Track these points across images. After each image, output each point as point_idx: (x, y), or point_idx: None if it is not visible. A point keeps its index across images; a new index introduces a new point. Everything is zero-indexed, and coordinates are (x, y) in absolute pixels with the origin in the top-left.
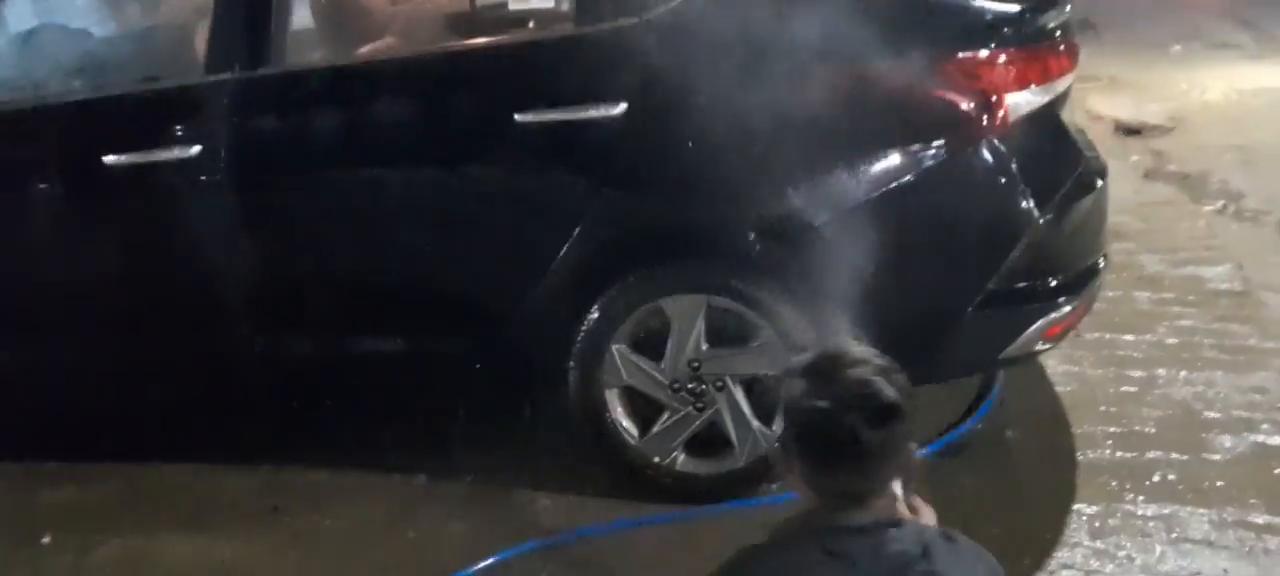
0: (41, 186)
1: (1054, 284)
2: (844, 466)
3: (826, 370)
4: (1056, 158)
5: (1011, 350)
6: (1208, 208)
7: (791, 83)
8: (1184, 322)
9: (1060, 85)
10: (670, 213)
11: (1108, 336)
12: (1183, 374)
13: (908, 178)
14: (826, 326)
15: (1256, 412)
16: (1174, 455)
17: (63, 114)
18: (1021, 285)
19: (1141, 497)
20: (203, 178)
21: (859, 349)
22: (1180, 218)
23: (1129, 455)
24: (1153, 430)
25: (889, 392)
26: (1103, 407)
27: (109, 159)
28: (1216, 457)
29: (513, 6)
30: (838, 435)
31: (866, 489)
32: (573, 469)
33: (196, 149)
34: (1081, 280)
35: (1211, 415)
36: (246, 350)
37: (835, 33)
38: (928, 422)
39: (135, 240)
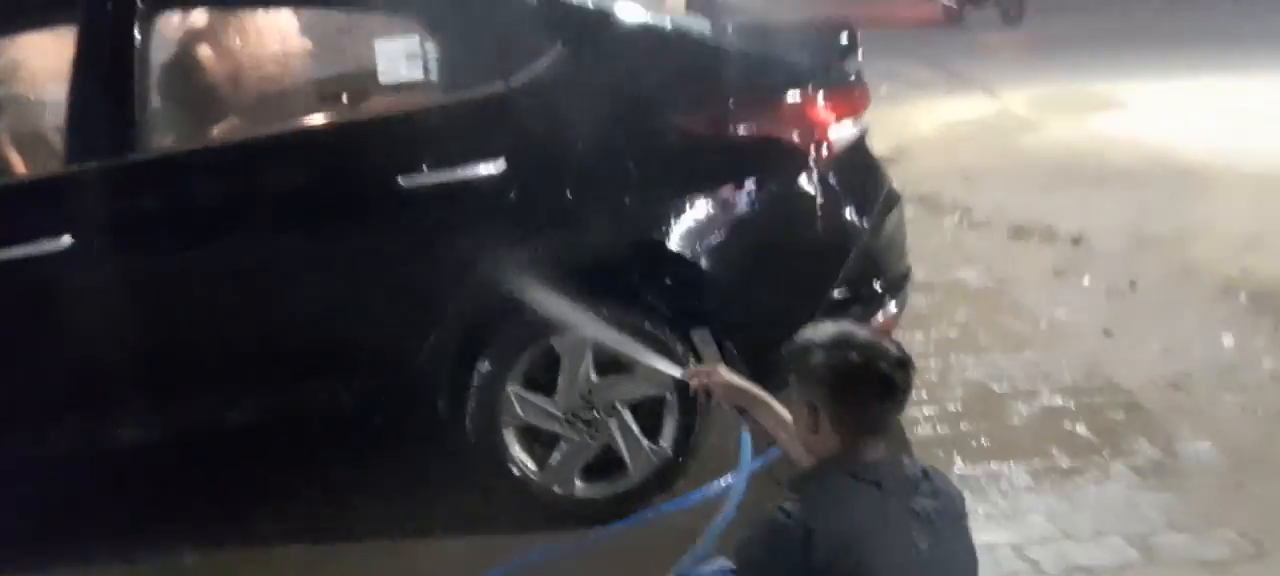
0: None
1: (879, 288)
2: (877, 405)
3: (843, 340)
4: (869, 179)
5: None
6: (947, 221)
7: (646, 132)
8: (959, 318)
9: (865, 119)
10: (552, 257)
11: (902, 336)
12: (970, 359)
13: (756, 204)
14: (702, 342)
15: (1037, 382)
16: (982, 424)
17: None
18: (856, 290)
19: (967, 461)
20: (79, 267)
21: (849, 325)
22: (929, 232)
23: (947, 430)
24: (960, 408)
25: (896, 347)
26: (914, 395)
27: None
28: (1016, 422)
29: (383, 81)
30: (872, 379)
31: (889, 424)
32: (479, 511)
33: (67, 239)
34: (899, 283)
35: (1002, 389)
36: (138, 428)
37: (681, 86)
38: None
39: (7, 333)
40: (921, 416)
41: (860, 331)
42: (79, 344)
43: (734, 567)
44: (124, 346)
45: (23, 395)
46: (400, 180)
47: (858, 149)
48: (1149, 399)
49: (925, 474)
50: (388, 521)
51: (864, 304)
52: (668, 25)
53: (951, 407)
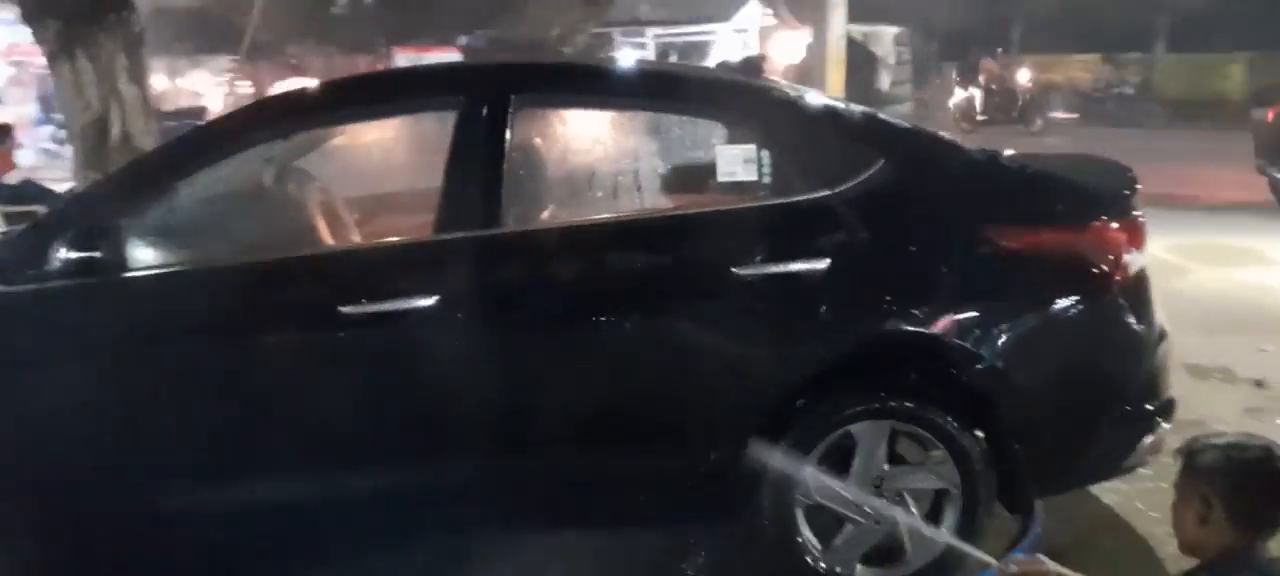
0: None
1: (1152, 409)
2: (1274, 502)
3: (1245, 438)
4: (1150, 307)
5: (1128, 461)
6: None
7: (962, 244)
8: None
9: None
10: (863, 353)
11: None
12: None
13: (1060, 318)
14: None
15: None
16: None
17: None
18: (1138, 406)
19: None
20: (443, 325)
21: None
22: None
23: None
24: None
25: None
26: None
27: (346, 309)
28: None
29: (720, 179)
30: (1275, 475)
31: (1277, 523)
32: None
33: (434, 299)
34: (1168, 408)
35: None
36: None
37: (995, 203)
38: None
39: (375, 383)
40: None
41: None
42: (430, 394)
43: None
44: (473, 399)
45: (373, 434)
46: (734, 270)
47: (1142, 278)
48: None
49: None
50: None
51: (1138, 423)
52: (977, 151)
53: None
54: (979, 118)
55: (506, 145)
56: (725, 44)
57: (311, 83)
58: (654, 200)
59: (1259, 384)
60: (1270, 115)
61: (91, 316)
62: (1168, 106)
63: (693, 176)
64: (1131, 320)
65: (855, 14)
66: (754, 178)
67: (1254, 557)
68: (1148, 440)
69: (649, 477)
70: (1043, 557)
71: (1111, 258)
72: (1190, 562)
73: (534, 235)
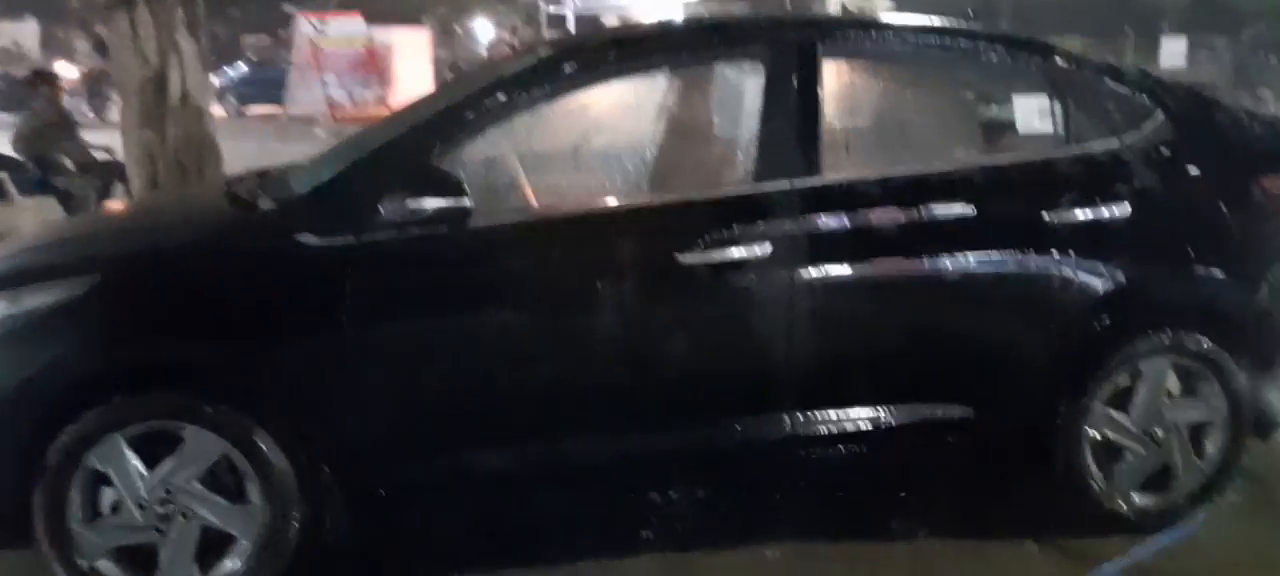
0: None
1: None
2: None
3: None
4: None
5: None
6: None
7: (1236, 189)
8: None
9: None
10: (1166, 290)
11: None
12: None
13: None
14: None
15: None
16: None
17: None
18: None
19: None
20: (777, 272)
21: None
22: None
23: None
24: None
25: None
26: None
27: (684, 258)
28: None
29: (1020, 131)
30: None
31: None
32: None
33: (768, 247)
34: None
35: None
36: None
37: (1259, 151)
38: None
39: (711, 333)
40: None
41: None
42: (768, 344)
43: None
44: (804, 346)
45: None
46: (1046, 215)
47: None
48: None
49: None
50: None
51: None
52: (1230, 102)
53: None
54: None
55: (819, 93)
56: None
57: None
58: (960, 149)
59: None
60: None
61: (471, 267)
62: None
63: (997, 128)
64: None
65: None
66: (1050, 129)
67: None
68: None
69: (958, 422)
70: None
71: None
72: None
73: (855, 185)
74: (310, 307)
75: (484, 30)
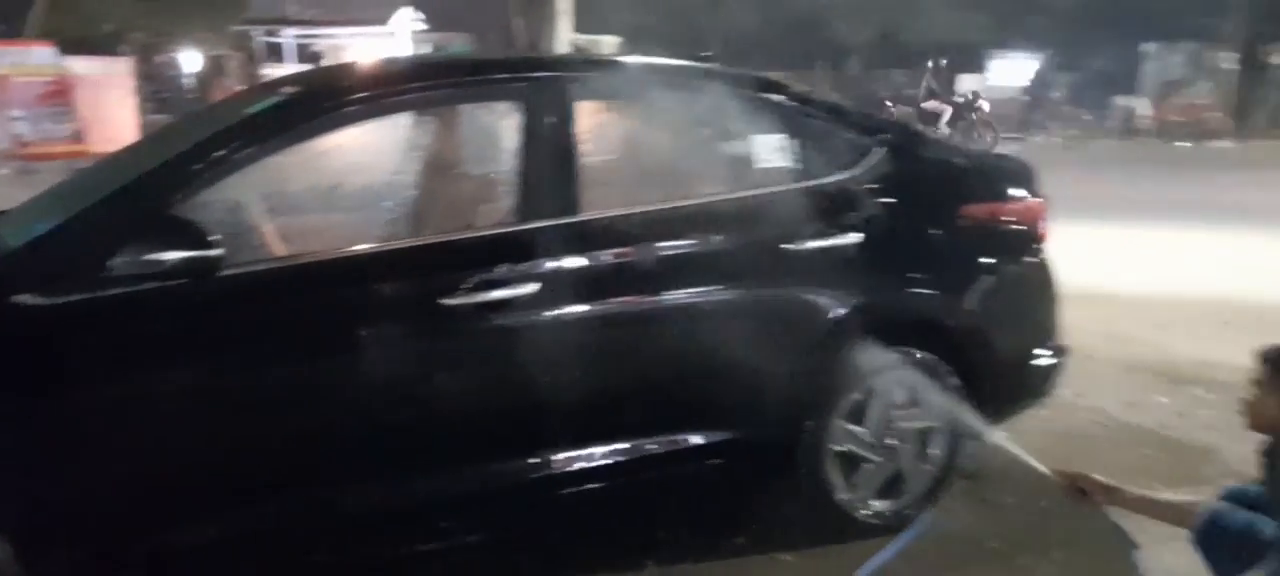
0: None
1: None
2: None
3: None
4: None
5: (1046, 392)
6: None
7: (944, 215)
8: None
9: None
10: (891, 310)
11: None
12: None
13: (1011, 269)
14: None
15: None
16: None
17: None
18: (1053, 341)
19: None
20: (542, 311)
21: None
22: None
23: None
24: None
25: None
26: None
27: (447, 300)
28: None
29: (757, 166)
30: None
31: None
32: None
33: (534, 286)
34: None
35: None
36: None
37: (963, 181)
38: None
39: (478, 376)
40: None
41: None
42: (529, 382)
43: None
44: (573, 383)
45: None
46: (785, 246)
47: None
48: None
49: None
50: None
51: (1058, 355)
52: (934, 137)
53: None
54: None
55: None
56: (371, 47)
57: None
58: (699, 186)
59: None
60: None
61: (220, 318)
62: None
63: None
64: (1051, 270)
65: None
66: (787, 164)
67: None
68: (1058, 373)
69: (714, 449)
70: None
71: (1038, 222)
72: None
73: (609, 222)
74: (30, 376)
75: (190, 60)
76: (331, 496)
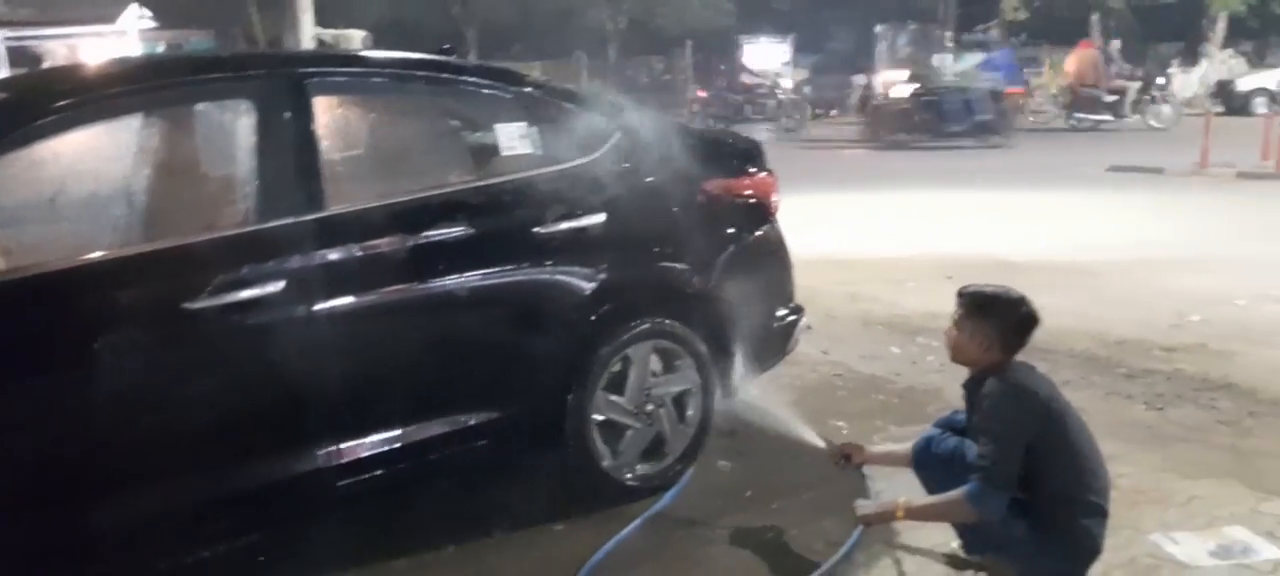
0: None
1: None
2: (1029, 333)
3: (1017, 297)
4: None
5: (788, 349)
6: None
7: (684, 192)
8: None
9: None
10: (639, 284)
11: None
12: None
13: (749, 240)
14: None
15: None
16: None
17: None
18: (794, 304)
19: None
20: (292, 308)
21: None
22: None
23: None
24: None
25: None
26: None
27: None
28: None
29: (503, 153)
30: (1031, 317)
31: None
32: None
33: (280, 284)
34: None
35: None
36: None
37: (699, 160)
38: None
39: (230, 378)
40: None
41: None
42: (287, 378)
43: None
44: (321, 378)
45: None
46: (535, 229)
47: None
48: None
49: (1033, 369)
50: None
51: (795, 316)
52: (669, 120)
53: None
54: None
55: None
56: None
57: None
58: (451, 174)
59: None
60: None
61: None
62: None
63: (484, 152)
64: (783, 238)
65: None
66: (530, 150)
67: (1015, 364)
68: (798, 333)
69: (482, 430)
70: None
71: (770, 196)
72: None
73: (356, 216)
74: None
75: None
76: (92, 513)
